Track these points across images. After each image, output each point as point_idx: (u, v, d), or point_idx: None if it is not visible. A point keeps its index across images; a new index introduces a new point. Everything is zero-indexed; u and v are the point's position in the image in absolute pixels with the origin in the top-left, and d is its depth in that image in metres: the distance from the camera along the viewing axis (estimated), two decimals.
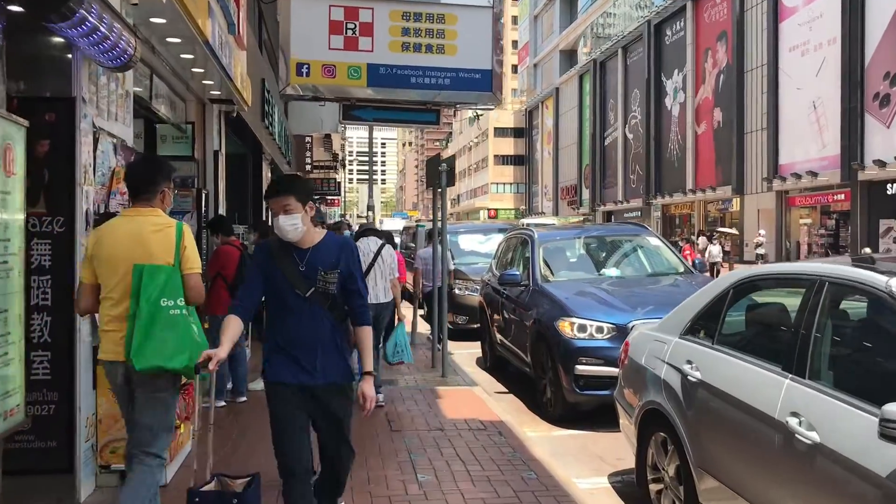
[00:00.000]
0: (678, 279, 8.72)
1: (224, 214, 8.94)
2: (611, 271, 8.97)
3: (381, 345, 7.88)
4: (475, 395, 8.09)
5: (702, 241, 32.37)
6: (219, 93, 9.18)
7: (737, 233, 35.42)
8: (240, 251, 7.54)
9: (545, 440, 6.81)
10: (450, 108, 8.69)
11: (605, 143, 58.75)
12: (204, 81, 8.55)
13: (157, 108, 8.23)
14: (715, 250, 29.10)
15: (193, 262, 3.91)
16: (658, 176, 48.83)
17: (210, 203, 9.80)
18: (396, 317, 8.05)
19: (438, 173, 8.82)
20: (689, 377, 4.23)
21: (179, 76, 8.44)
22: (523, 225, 20.42)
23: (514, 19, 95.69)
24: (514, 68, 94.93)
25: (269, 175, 18.42)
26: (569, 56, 70.92)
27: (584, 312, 7.51)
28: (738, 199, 39.64)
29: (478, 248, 14.88)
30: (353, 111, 7.96)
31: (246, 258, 7.37)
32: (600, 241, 9.83)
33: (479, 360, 11.28)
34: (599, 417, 7.43)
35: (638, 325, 7.16)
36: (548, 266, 8.98)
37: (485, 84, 8.48)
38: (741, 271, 4.38)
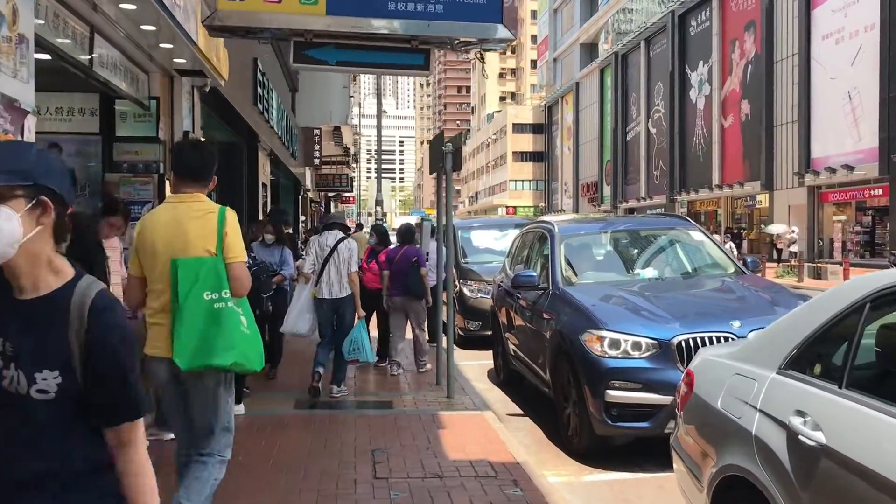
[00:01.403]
0: (728, 281, 7.27)
1: None
2: (646, 272, 7.53)
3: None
4: (486, 423, 6.66)
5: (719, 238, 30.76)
6: (184, 61, 7.85)
7: (785, 230, 32.76)
8: None
9: (573, 489, 5.38)
10: (444, 48, 6.51)
11: (628, 139, 57.16)
12: (162, 45, 7.21)
13: (106, 78, 6.88)
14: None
15: (237, 251, 3.70)
16: (682, 171, 47.20)
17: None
18: (356, 315, 7.92)
19: (442, 154, 7.43)
20: (802, 438, 2.75)
21: (134, 40, 7.11)
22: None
23: (533, 14, 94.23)
24: (533, 63, 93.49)
25: (268, 168, 17.07)
26: (589, 49, 69.30)
27: (617, 324, 6.08)
28: (767, 194, 37.94)
29: (492, 245, 13.42)
30: (308, 51, 6.06)
31: None
32: (632, 235, 8.37)
33: (491, 372, 9.88)
34: (638, 453, 6.02)
35: (695, 344, 5.76)
36: (570, 266, 7.55)
37: (492, 12, 5.98)
38: (877, 275, 2.88)
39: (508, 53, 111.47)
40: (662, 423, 5.74)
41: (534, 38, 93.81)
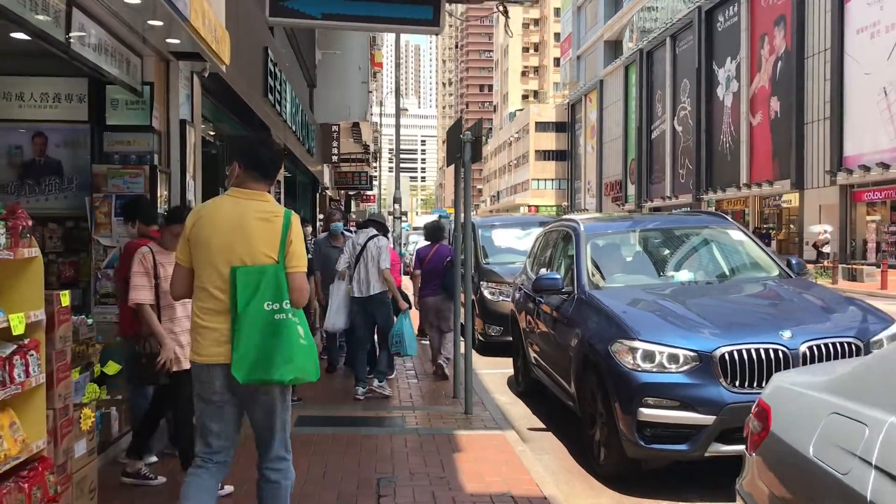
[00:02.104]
0: (772, 284, 6.56)
1: (146, 196, 6.90)
2: (680, 274, 6.82)
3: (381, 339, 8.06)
4: (507, 446, 5.95)
5: None
6: (178, 41, 7.22)
7: (828, 230, 31.20)
8: None
9: None
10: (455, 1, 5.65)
11: (653, 137, 56.20)
12: (151, 22, 6.59)
13: (91, 60, 6.28)
14: None
15: (300, 259, 3.52)
16: (709, 170, 46.21)
17: (172, 187, 7.88)
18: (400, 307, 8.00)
19: (460, 144, 6.76)
20: None
21: (120, 17, 6.50)
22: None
23: (557, 11, 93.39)
24: (556, 61, 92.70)
25: (281, 165, 16.50)
26: (613, 47, 68.36)
27: (651, 333, 5.39)
28: (797, 193, 36.92)
29: (515, 244, 12.71)
30: (287, 2, 5.16)
31: None
32: (664, 234, 7.65)
33: (511, 380, 9.22)
34: (675, 477, 5.34)
35: (740, 357, 5.07)
36: (597, 268, 6.86)
37: None
38: None
39: (531, 51, 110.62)
40: (703, 445, 5.07)
41: (557, 35, 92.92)
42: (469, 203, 6.90)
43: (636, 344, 5.32)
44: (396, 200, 24.05)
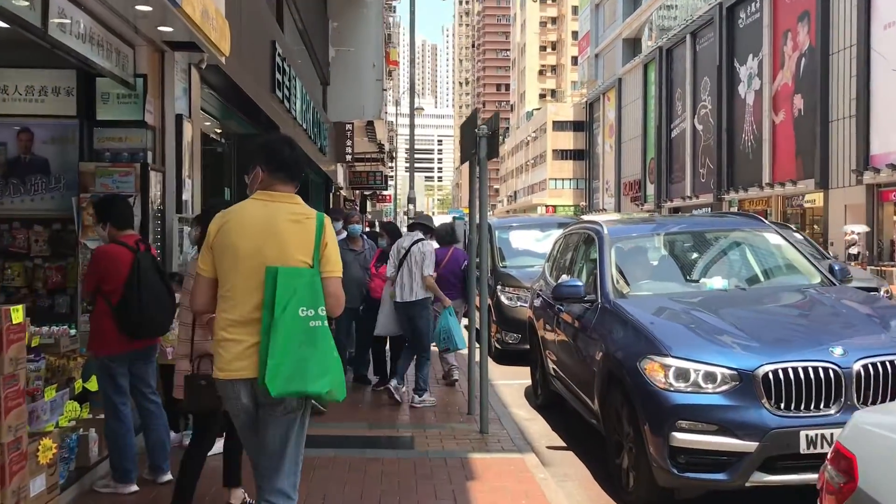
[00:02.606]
0: (815, 293, 5.98)
1: (122, 196, 6.38)
2: (713, 281, 6.24)
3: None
4: (526, 471, 5.39)
5: None
6: (170, 30, 6.74)
7: (857, 231, 30.07)
8: (133, 254, 4.88)
9: None
10: None
11: (672, 136, 55.41)
12: (139, 7, 6.11)
13: (75, 50, 5.81)
14: None
15: (336, 264, 3.36)
16: (730, 169, 45.39)
17: (167, 187, 7.40)
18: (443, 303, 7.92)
19: (475, 139, 6.22)
20: None
21: (106, 3, 6.03)
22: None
23: (574, 9, 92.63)
24: (574, 60, 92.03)
25: None
26: (632, 44, 67.57)
27: (684, 348, 4.84)
28: (822, 193, 36.08)
29: (533, 246, 12.15)
30: None
31: (143, 266, 4.84)
32: (694, 237, 7.07)
33: (529, 391, 8.68)
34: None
35: (786, 376, 4.51)
36: (622, 274, 6.31)
37: None
38: None
39: (549, 50, 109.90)
40: (743, 475, 4.54)
41: (574, 34, 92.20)
42: (485, 202, 6.37)
43: (668, 360, 4.77)
44: (411, 200, 23.51)
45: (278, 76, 12.54)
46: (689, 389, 4.67)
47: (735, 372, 4.60)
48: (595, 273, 6.35)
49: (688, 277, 6.56)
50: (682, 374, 4.70)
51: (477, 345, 7.10)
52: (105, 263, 4.76)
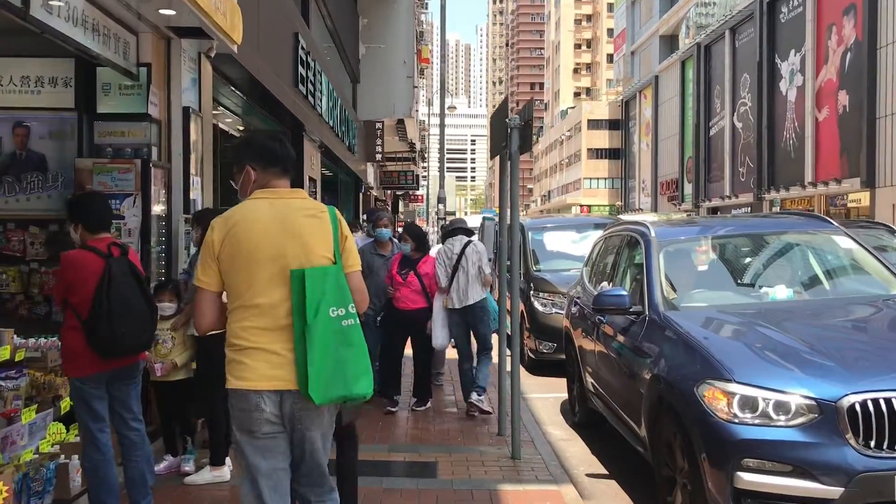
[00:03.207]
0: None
1: (100, 194, 5.78)
2: (776, 290, 5.52)
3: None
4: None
5: None
6: (172, 13, 6.18)
7: None
8: (104, 259, 4.23)
9: None
10: None
11: (711, 134, 54.18)
12: None
13: (66, 33, 5.27)
14: None
15: (356, 258, 3.19)
16: (771, 168, 44.13)
17: (173, 185, 6.84)
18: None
19: (506, 130, 5.57)
20: None
21: None
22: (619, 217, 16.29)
23: (610, 7, 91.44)
24: (609, 57, 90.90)
25: (318, 161, 15.47)
26: (669, 41, 66.36)
27: (751, 373, 4.15)
28: (868, 192, 34.80)
29: (569, 249, 11.45)
30: None
31: (115, 273, 4.20)
32: (753, 240, 6.32)
33: (565, 406, 8.01)
34: None
35: (877, 408, 3.80)
36: (672, 283, 5.61)
37: None
38: None
39: (584, 48, 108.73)
40: None
41: (610, 31, 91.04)
42: (516, 200, 5.71)
43: (732, 387, 4.08)
44: (441, 200, 22.82)
45: (301, 70, 11.99)
46: (756, 422, 3.97)
47: (813, 402, 3.89)
48: (641, 281, 5.67)
49: (746, 286, 5.83)
50: (749, 404, 4.00)
51: (508, 352, 6.41)
52: (71, 272, 4.16)
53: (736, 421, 4.00)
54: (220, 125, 11.73)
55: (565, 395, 8.05)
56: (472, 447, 6.16)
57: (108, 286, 4.12)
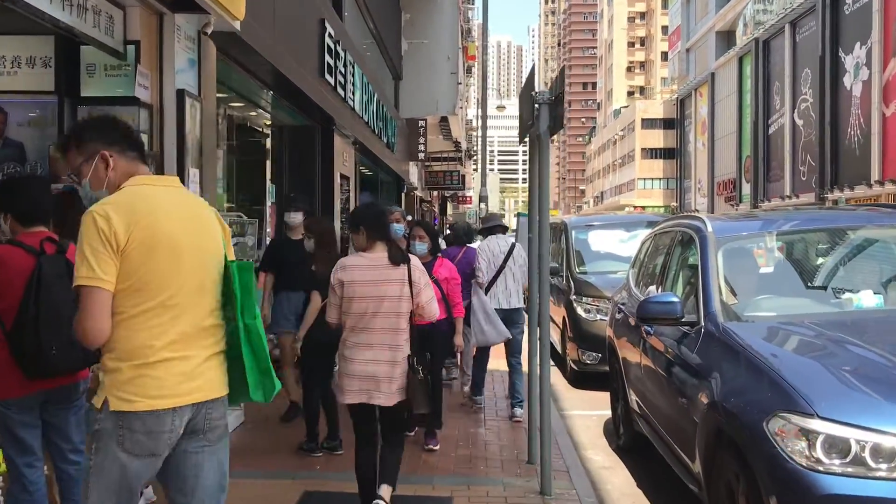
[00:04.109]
0: None
1: (33, 178, 5.05)
2: (864, 297, 4.54)
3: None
4: None
5: None
6: None
7: None
8: (35, 257, 3.48)
9: None
10: None
11: (770, 132, 52.32)
12: None
13: (40, 7, 4.58)
14: None
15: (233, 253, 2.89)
16: (834, 166, 42.25)
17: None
18: None
19: (532, 107, 4.70)
20: None
21: None
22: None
23: (664, 3, 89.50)
24: (664, 55, 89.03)
25: (351, 158, 14.74)
26: (726, 37, 64.51)
27: (839, 405, 3.23)
28: None
29: (617, 249, 10.49)
30: None
31: (47, 275, 3.43)
32: (831, 237, 5.31)
33: (609, 425, 7.11)
34: None
35: None
36: (734, 288, 4.68)
37: None
38: None
39: (637, 46, 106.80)
40: None
41: (664, 28, 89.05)
42: (547, 190, 4.83)
43: (813, 423, 3.16)
44: (482, 199, 21.92)
45: (329, 59, 11.26)
46: (848, 470, 3.05)
47: None
48: (696, 285, 4.75)
49: (822, 291, 4.87)
50: (837, 446, 3.09)
51: (537, 363, 5.52)
52: None
53: (820, 469, 3.09)
54: (245, 118, 11.10)
55: (610, 412, 7.15)
56: (496, 478, 5.29)
57: (36, 289, 3.39)
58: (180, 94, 6.20)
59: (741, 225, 5.64)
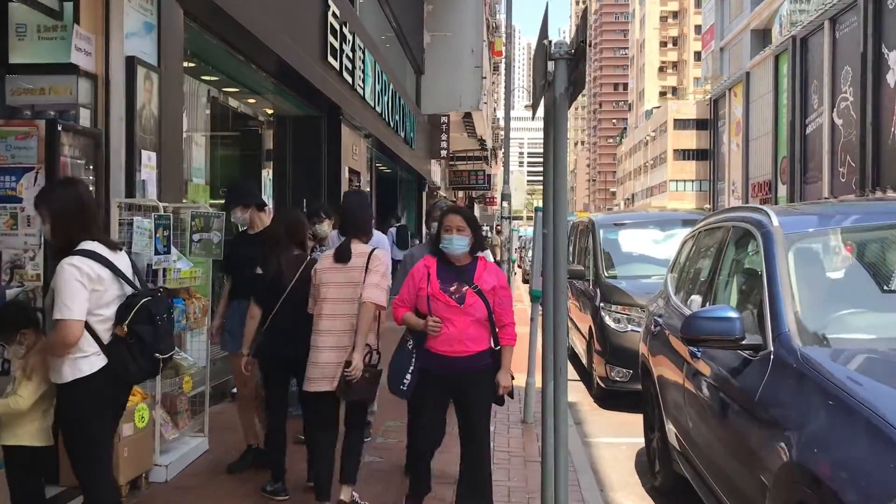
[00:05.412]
0: None
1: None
2: None
3: None
4: None
5: None
6: None
7: None
8: None
9: None
10: None
11: (807, 132, 50.58)
12: None
13: None
14: None
15: None
16: (876, 167, 40.48)
17: (112, 159, 5.13)
18: None
19: (545, 62, 3.62)
20: None
21: None
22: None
23: (697, 2, 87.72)
24: (697, 55, 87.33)
25: (361, 151, 13.71)
26: (761, 36, 62.82)
27: None
28: None
29: (651, 250, 9.35)
30: None
31: None
32: None
33: (642, 457, 6.00)
34: None
35: None
36: (810, 300, 3.56)
37: None
38: None
39: (670, 46, 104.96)
40: None
41: (697, 28, 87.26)
42: (564, 169, 3.71)
43: None
44: (505, 198, 20.77)
45: (333, 41, 10.25)
46: None
47: None
48: (758, 296, 3.64)
49: None
50: None
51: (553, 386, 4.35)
52: None
53: None
54: (240, 106, 10.14)
55: (643, 440, 6.04)
56: None
57: None
58: (130, 63, 5.21)
59: (817, 217, 4.46)
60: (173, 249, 5.06)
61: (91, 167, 4.89)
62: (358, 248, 4.48)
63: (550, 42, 3.51)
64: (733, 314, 3.49)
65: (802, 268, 3.63)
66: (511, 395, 4.45)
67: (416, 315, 4.26)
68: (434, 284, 4.24)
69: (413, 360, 4.23)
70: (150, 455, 4.84)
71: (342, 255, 4.43)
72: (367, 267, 4.38)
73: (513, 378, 4.39)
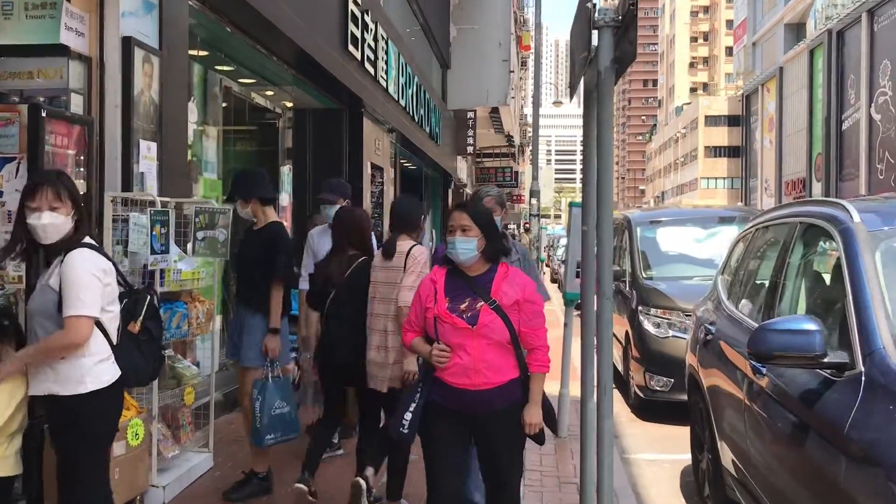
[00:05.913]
0: None
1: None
2: None
3: None
4: None
5: None
6: None
7: None
8: None
9: None
10: None
11: (843, 128, 49.52)
12: None
13: None
14: None
15: None
16: None
17: (107, 148, 4.69)
18: None
19: (588, 31, 3.10)
20: None
21: None
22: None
23: None
24: (729, 50, 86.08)
25: (384, 146, 13.24)
26: (795, 30, 61.62)
27: None
28: None
29: (693, 250, 8.76)
30: None
31: None
32: None
33: (687, 475, 5.47)
34: None
35: None
36: None
37: None
38: None
39: (700, 41, 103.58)
40: None
41: (729, 22, 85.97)
42: (610, 158, 3.16)
43: None
44: (533, 194, 20.21)
45: (354, 29, 9.77)
46: None
47: None
48: (838, 306, 3.10)
49: None
50: None
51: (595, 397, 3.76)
52: None
53: None
54: (258, 98, 9.71)
55: (688, 459, 5.50)
56: None
57: None
58: (126, 44, 4.76)
59: None
60: (174, 248, 4.62)
61: (80, 158, 4.45)
62: (401, 245, 4.39)
63: (595, 6, 2.98)
64: (813, 326, 2.94)
65: (892, 272, 3.08)
66: (539, 439, 3.60)
67: (427, 341, 3.52)
68: (441, 303, 3.43)
69: (417, 394, 3.48)
70: (146, 475, 4.38)
71: (387, 251, 4.40)
72: (404, 266, 4.31)
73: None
